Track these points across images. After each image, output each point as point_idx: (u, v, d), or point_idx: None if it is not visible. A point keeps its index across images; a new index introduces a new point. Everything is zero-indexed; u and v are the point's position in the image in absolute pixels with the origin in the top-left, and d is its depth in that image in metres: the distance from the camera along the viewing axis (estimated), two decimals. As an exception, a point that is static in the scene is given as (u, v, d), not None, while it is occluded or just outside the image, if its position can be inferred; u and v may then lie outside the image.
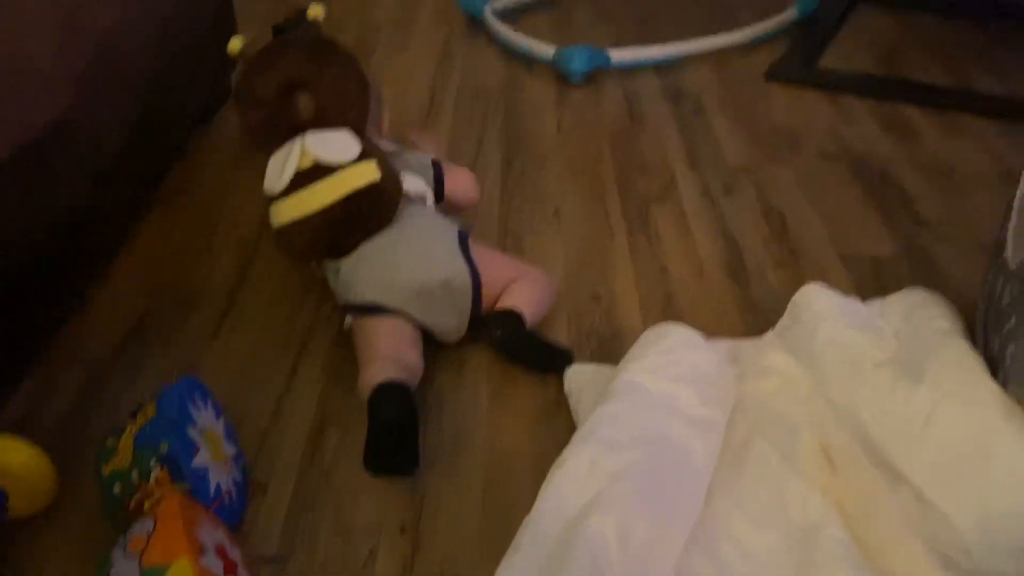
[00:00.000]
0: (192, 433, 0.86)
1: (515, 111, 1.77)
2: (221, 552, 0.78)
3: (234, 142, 1.65)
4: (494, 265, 1.18)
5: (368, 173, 1.15)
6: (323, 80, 1.21)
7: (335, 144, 1.16)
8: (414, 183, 1.26)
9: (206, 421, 0.90)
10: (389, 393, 0.98)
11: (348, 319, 1.15)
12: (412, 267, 1.12)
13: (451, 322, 1.14)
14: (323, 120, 1.19)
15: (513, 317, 1.12)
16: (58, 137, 1.05)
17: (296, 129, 1.18)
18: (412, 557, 0.90)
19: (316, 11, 1.27)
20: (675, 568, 0.85)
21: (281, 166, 1.15)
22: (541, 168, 1.57)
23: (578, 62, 1.84)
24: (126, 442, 0.86)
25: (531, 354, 1.13)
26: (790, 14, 2.10)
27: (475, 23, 2.17)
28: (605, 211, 1.45)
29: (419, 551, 0.91)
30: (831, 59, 1.98)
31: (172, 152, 1.55)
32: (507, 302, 1.14)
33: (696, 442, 0.94)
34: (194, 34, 1.51)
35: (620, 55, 1.90)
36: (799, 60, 1.95)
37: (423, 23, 2.21)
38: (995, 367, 0.98)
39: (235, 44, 1.25)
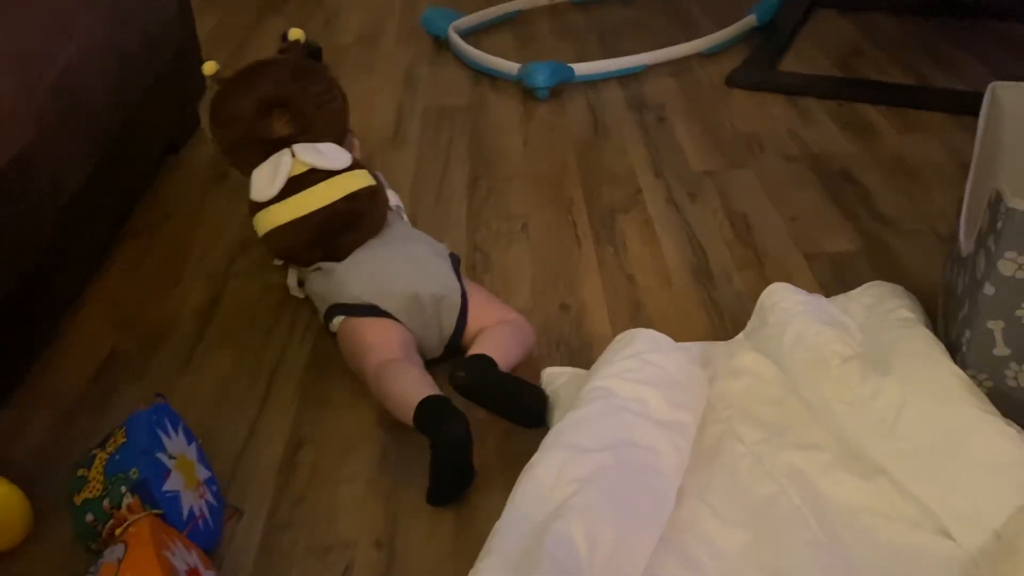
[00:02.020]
0: (162, 458, 0.87)
1: (481, 129, 1.79)
2: (194, 575, 0.78)
3: (203, 173, 1.67)
4: (482, 298, 1.19)
5: (365, 178, 1.22)
6: (307, 97, 1.26)
7: (328, 152, 1.22)
8: (392, 195, 1.32)
9: (177, 446, 0.91)
10: (445, 410, 0.96)
11: (336, 320, 1.15)
12: (409, 276, 1.14)
13: (433, 338, 1.15)
14: (306, 135, 1.25)
15: (483, 360, 1.04)
16: (19, 173, 1.06)
17: (274, 145, 1.23)
18: (387, 572, 0.91)
19: (297, 33, 1.34)
20: (646, 571, 0.86)
21: (271, 174, 1.19)
22: (508, 184, 1.59)
23: (542, 77, 1.86)
24: (97, 470, 0.86)
25: (499, 398, 1.04)
26: (749, 21, 2.14)
27: (440, 43, 2.20)
28: (572, 223, 1.47)
29: (394, 566, 0.91)
30: (790, 63, 2.02)
31: (140, 184, 1.56)
32: (480, 347, 1.09)
33: (665, 446, 0.95)
34: (158, 66, 1.52)
35: (584, 68, 1.93)
36: (759, 65, 1.98)
37: (388, 45, 2.23)
38: (954, 353, 1.00)
39: (210, 66, 1.30)
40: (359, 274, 1.15)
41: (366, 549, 0.93)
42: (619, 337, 1.09)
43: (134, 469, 0.85)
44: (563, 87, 1.92)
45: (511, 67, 1.93)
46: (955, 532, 0.87)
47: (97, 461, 0.87)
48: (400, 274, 1.14)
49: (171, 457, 0.88)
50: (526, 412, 1.05)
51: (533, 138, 1.75)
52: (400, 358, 1.07)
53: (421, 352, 1.15)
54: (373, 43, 2.25)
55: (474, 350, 1.08)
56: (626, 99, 1.88)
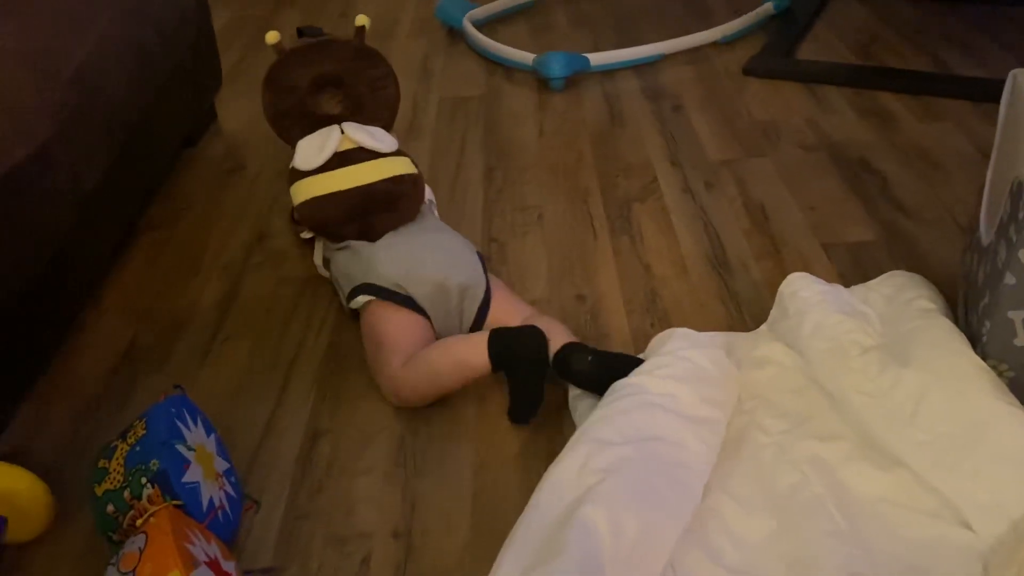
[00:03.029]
0: (182, 449, 0.87)
1: (496, 119, 1.79)
2: (214, 566, 0.78)
3: (220, 166, 1.67)
4: (504, 295, 1.19)
5: (409, 165, 1.25)
6: (364, 79, 1.31)
7: (375, 134, 1.26)
8: (427, 190, 1.34)
9: (196, 437, 0.91)
10: (519, 332, 1.02)
11: (359, 299, 1.15)
12: (438, 263, 1.15)
13: (454, 327, 1.15)
14: (358, 115, 1.29)
15: (580, 346, 1.05)
16: (39, 167, 1.06)
17: (321, 121, 1.27)
18: (404, 562, 0.91)
19: (363, 20, 1.37)
20: (668, 560, 0.86)
21: (319, 146, 1.23)
22: (524, 174, 1.59)
23: (557, 67, 1.85)
24: (117, 462, 0.87)
25: (617, 371, 1.01)
26: (766, 9, 2.12)
27: (454, 34, 2.19)
28: (588, 213, 1.47)
29: (411, 556, 0.92)
30: (808, 51, 2.00)
31: (157, 178, 1.57)
32: (559, 339, 1.06)
33: (693, 441, 0.94)
34: (175, 61, 1.52)
35: (599, 58, 1.92)
36: (776, 53, 1.97)
37: (402, 37, 2.23)
38: (974, 343, 0.99)
39: (272, 35, 1.33)
40: (391, 255, 1.16)
41: (384, 540, 0.94)
42: (656, 338, 1.09)
43: (154, 460, 0.85)
44: (578, 77, 1.91)
45: (526, 57, 1.92)
46: (975, 523, 0.86)
47: (118, 452, 0.88)
48: (430, 260, 1.15)
49: (191, 449, 0.89)
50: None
51: (548, 128, 1.74)
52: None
53: None
54: (388, 34, 2.25)
55: (557, 342, 1.05)
56: (642, 89, 1.87)
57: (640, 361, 1.04)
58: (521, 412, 1.03)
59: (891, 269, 1.24)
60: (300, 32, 1.57)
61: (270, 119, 1.32)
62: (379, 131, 1.27)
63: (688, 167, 1.57)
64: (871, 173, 1.53)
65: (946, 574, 0.83)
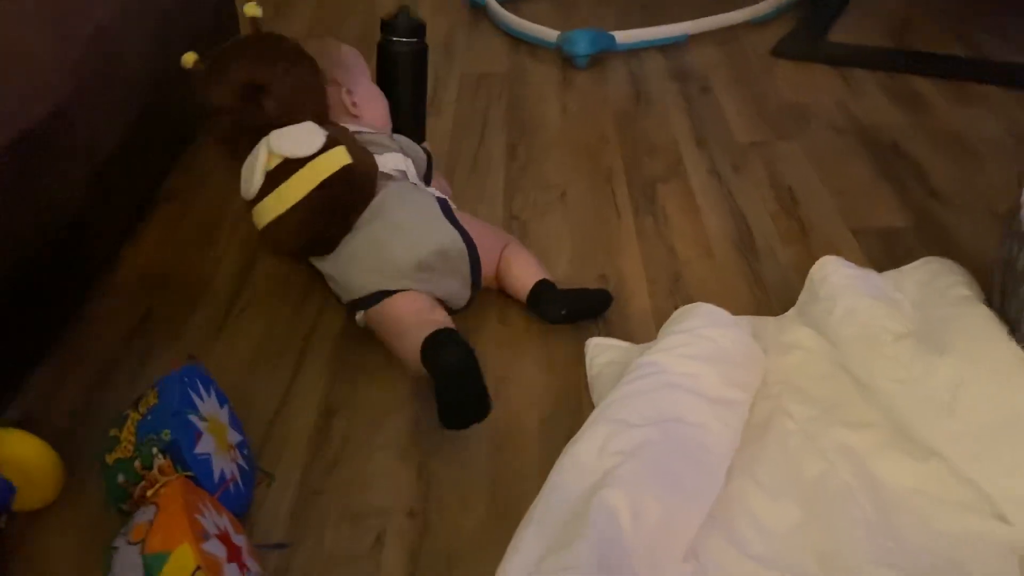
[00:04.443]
0: (194, 420, 0.86)
1: (519, 97, 1.76)
2: (224, 538, 0.77)
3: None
4: (480, 230, 1.17)
5: (338, 158, 1.14)
6: (275, 78, 1.18)
7: (298, 137, 1.14)
8: (392, 159, 1.24)
9: (209, 408, 0.89)
10: (443, 339, 0.98)
11: (360, 315, 1.14)
12: (404, 246, 1.11)
13: (455, 287, 1.13)
14: (286, 117, 1.17)
15: (553, 288, 1.16)
16: (56, 127, 1.05)
17: (264, 130, 1.16)
18: (420, 541, 0.89)
19: (252, 10, 1.23)
20: (691, 546, 0.84)
21: (251, 170, 1.14)
22: (547, 153, 1.56)
23: (582, 45, 1.82)
24: (128, 431, 0.85)
25: (586, 309, 1.17)
26: (797, -10, 2.08)
27: (477, 10, 2.16)
28: (612, 193, 1.44)
29: (427, 534, 0.90)
30: (839, 33, 1.96)
31: (176, 147, 1.55)
32: (528, 276, 1.17)
33: (715, 423, 0.92)
34: (196, 27, 1.50)
35: (625, 36, 1.88)
36: (807, 35, 1.93)
37: (426, 13, 2.18)
38: (1012, 331, 0.96)
39: (188, 59, 1.22)
40: (357, 267, 1.12)
41: (399, 517, 0.92)
42: (677, 312, 1.06)
43: (166, 431, 0.83)
44: (603, 55, 1.88)
45: (550, 34, 1.89)
46: (1012, 515, 0.84)
47: (129, 422, 0.86)
48: (395, 248, 1.11)
49: (203, 419, 0.87)
50: (601, 306, 1.18)
51: (572, 107, 1.71)
52: (423, 324, 1.04)
53: (451, 303, 1.14)
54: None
55: (527, 279, 1.16)
56: (668, 69, 1.84)
57: (599, 291, 1.18)
58: (446, 415, 0.96)
59: (922, 256, 1.20)
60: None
61: (216, 145, 1.22)
62: (304, 128, 1.15)
63: (715, 149, 1.54)
64: (902, 158, 1.49)
65: (981, 568, 0.80)
